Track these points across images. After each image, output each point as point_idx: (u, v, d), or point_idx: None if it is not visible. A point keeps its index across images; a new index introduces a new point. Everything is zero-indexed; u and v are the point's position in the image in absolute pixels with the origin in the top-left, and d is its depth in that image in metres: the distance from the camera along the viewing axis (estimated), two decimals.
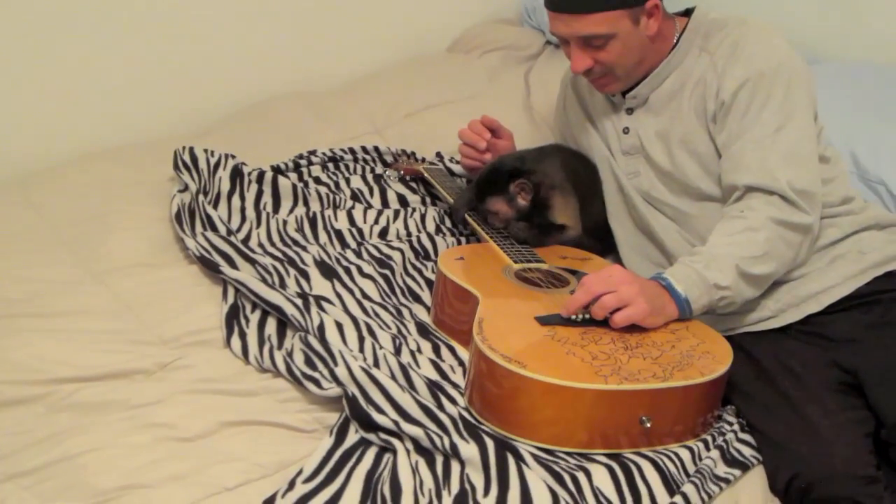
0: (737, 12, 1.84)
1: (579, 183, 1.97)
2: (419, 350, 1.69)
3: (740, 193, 1.70)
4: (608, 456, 1.46)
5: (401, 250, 1.95)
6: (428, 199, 2.20)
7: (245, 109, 2.52)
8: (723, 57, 1.76)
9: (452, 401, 1.55)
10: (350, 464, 1.45)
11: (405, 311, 1.81)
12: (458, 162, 2.24)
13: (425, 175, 2.19)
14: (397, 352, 1.65)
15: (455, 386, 1.60)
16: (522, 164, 1.93)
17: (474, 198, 1.97)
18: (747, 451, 1.58)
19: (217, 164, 2.07)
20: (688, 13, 1.87)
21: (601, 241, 2.01)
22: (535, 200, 1.91)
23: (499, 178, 1.92)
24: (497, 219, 1.94)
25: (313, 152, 2.28)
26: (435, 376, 1.62)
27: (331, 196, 2.13)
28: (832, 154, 1.83)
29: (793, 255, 1.68)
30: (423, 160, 2.33)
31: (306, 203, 2.10)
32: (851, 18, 2.58)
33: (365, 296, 1.81)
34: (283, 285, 1.80)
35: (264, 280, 1.78)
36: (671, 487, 1.44)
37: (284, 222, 2.02)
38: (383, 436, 1.47)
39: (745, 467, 1.55)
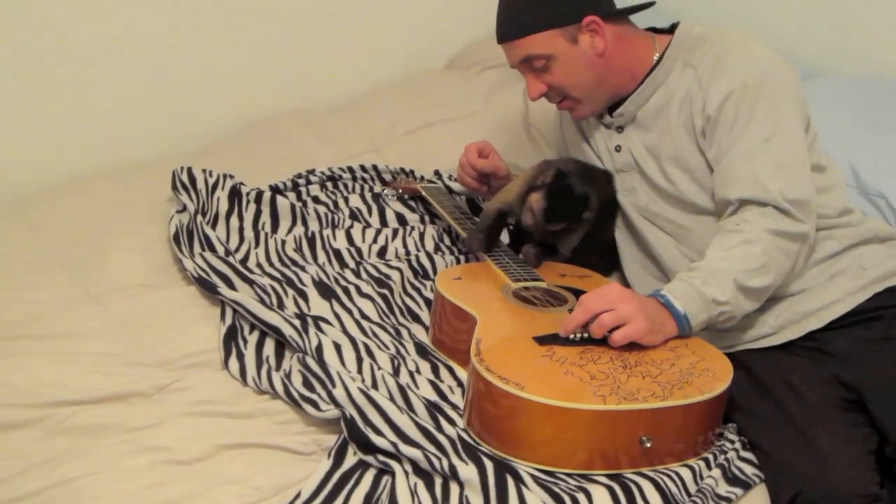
0: (733, 26, 1.84)
1: (605, 206, 1.94)
2: (418, 370, 1.68)
3: (734, 207, 1.69)
4: (608, 476, 1.45)
5: (399, 269, 1.94)
6: (427, 218, 2.19)
7: (243, 129, 2.52)
8: (706, 71, 1.75)
9: (451, 422, 1.55)
10: (348, 486, 1.44)
11: (404, 332, 1.80)
12: (456, 180, 2.24)
13: (423, 194, 2.19)
14: (396, 372, 1.65)
15: (454, 407, 1.59)
16: (591, 190, 1.88)
17: (543, 221, 1.89)
18: (749, 470, 1.57)
19: (215, 185, 2.07)
20: (673, 29, 1.87)
21: (605, 258, 2.00)
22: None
23: (576, 206, 1.87)
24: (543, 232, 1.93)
25: (312, 171, 2.28)
26: (434, 397, 1.61)
27: (329, 215, 2.12)
28: (828, 163, 1.82)
29: (790, 264, 1.67)
30: (422, 178, 2.32)
31: (305, 223, 2.09)
32: (850, 31, 2.58)
33: (363, 316, 1.80)
34: (281, 306, 1.79)
35: (262, 301, 1.78)
36: None
37: (283, 242, 2.01)
38: (382, 458, 1.46)
39: (746, 486, 1.54)
